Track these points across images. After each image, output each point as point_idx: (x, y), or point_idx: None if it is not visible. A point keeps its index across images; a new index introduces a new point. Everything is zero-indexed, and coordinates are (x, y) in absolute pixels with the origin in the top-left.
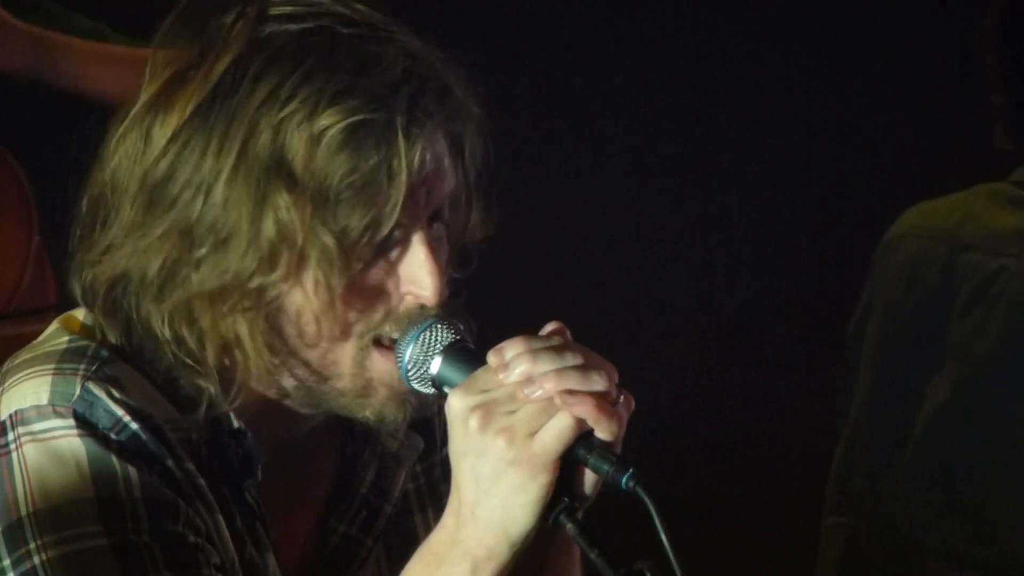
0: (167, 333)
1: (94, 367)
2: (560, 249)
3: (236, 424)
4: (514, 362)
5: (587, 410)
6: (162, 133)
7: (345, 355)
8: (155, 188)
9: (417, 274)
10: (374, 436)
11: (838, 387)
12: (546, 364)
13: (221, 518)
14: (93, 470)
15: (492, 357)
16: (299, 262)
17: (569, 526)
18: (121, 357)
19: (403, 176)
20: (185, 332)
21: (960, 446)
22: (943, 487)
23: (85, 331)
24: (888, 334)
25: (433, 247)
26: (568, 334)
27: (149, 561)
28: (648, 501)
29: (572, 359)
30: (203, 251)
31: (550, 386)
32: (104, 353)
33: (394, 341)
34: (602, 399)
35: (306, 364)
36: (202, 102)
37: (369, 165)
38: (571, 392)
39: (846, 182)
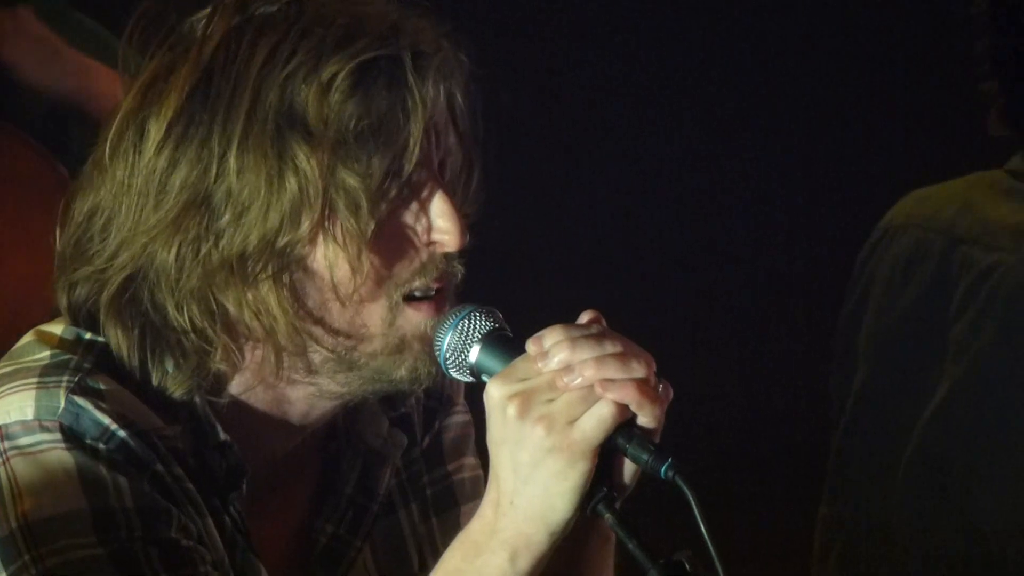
0: (185, 323)
1: (77, 379)
2: (577, 243)
3: (222, 436)
4: (553, 350)
5: (629, 395)
6: (159, 123)
7: (375, 314)
8: (161, 179)
9: (438, 221)
10: (357, 435)
11: (832, 374)
12: (585, 352)
13: (211, 521)
14: (84, 481)
15: (531, 345)
16: (325, 213)
17: (608, 516)
18: (103, 370)
19: (419, 112)
20: (205, 315)
21: (955, 446)
22: (938, 486)
23: (64, 345)
24: (885, 328)
25: (449, 193)
26: (604, 322)
27: (147, 566)
28: (688, 491)
29: (611, 347)
30: (224, 220)
31: (590, 373)
32: (86, 365)
33: (422, 295)
34: (643, 384)
35: (335, 330)
36: (197, 81)
37: (383, 105)
38: (611, 380)
39: (844, 174)
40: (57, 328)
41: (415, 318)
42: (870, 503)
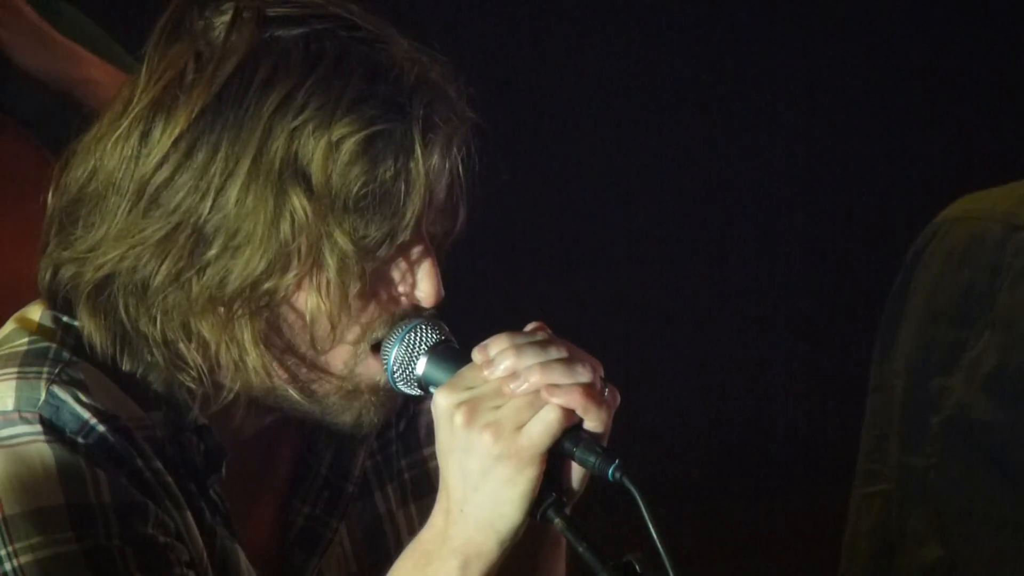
0: (157, 336)
1: (57, 370)
2: (556, 240)
3: (200, 420)
4: (499, 357)
5: (575, 399)
6: (164, 137)
7: (339, 359)
8: (156, 191)
9: (420, 280)
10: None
11: (873, 365)
12: (530, 358)
13: (189, 514)
14: (62, 475)
15: (477, 354)
16: (314, 265)
17: (557, 521)
18: (82, 356)
19: (422, 184)
20: (179, 335)
21: (1001, 412)
22: (981, 451)
23: (43, 331)
24: (935, 309)
25: (434, 255)
26: (548, 331)
27: (122, 565)
28: (635, 492)
29: (556, 352)
30: (211, 253)
31: (535, 379)
32: (65, 355)
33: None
34: (589, 389)
35: (299, 365)
36: (207, 106)
37: (387, 175)
38: (557, 385)
39: (843, 178)
40: (35, 313)
41: (373, 367)
42: (915, 476)
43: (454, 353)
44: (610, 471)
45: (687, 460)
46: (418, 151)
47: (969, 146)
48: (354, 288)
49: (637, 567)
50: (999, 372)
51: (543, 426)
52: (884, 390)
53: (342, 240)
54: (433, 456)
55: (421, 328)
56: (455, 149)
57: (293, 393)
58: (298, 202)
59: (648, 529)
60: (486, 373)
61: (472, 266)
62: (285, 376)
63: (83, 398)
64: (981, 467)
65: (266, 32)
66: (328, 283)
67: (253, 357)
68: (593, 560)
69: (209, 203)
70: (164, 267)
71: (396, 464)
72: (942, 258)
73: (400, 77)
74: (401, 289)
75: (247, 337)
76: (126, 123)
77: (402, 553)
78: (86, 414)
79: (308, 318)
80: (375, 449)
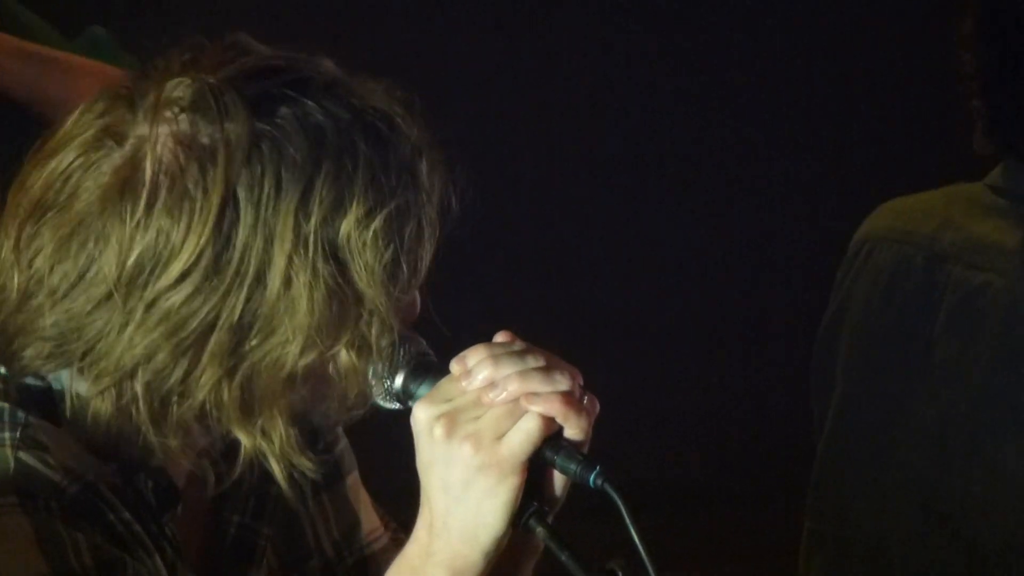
0: (174, 424)
1: (19, 434)
2: (549, 243)
3: (155, 462)
4: (477, 368)
5: (554, 407)
6: (184, 249)
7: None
8: (182, 304)
9: (410, 308)
10: None
11: (811, 389)
12: (508, 367)
13: (158, 558)
14: (43, 544)
15: (455, 365)
16: (352, 335)
17: (539, 530)
18: (37, 414)
19: (434, 237)
20: (199, 420)
21: (950, 470)
22: (933, 515)
23: None
24: (866, 346)
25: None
26: (520, 340)
27: None
28: (617, 498)
29: (534, 361)
30: (249, 345)
31: (514, 387)
32: (20, 415)
33: None
34: (568, 396)
35: (309, 415)
36: (223, 209)
37: (409, 240)
38: (536, 393)
39: (839, 179)
40: None
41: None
42: (856, 521)
43: (432, 366)
44: (591, 478)
45: (682, 464)
46: (430, 211)
47: (969, 146)
48: (387, 342)
49: (620, 574)
50: (941, 430)
51: (523, 435)
52: (825, 432)
53: (379, 309)
54: (334, 443)
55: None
56: (448, 194)
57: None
58: (335, 284)
59: (630, 535)
60: (464, 384)
61: (463, 272)
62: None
63: (50, 460)
64: (934, 533)
65: (257, 117)
66: (364, 344)
67: (291, 439)
68: (576, 568)
69: (243, 302)
70: (198, 372)
71: (331, 466)
72: (868, 283)
73: (398, 137)
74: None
75: (282, 424)
76: (127, 231)
77: (388, 571)
78: (56, 476)
79: (342, 381)
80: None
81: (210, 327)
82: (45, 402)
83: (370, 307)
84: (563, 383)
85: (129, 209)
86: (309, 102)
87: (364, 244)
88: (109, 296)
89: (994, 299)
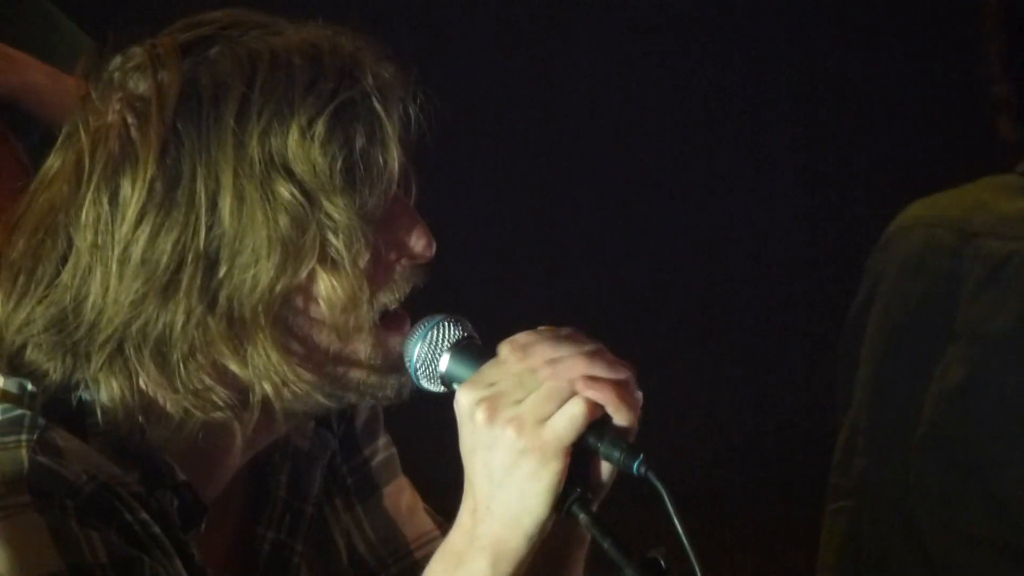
0: (183, 388)
1: (35, 436)
2: (564, 241)
3: (180, 477)
4: (534, 348)
5: (609, 396)
6: (136, 189)
7: (363, 340)
8: (148, 243)
9: (411, 236)
10: (284, 438)
11: (838, 379)
12: (568, 348)
13: (179, 562)
14: (57, 541)
15: (505, 347)
16: (321, 251)
17: (582, 516)
18: (56, 421)
19: (393, 140)
20: (208, 379)
21: (976, 425)
22: (957, 467)
23: (10, 398)
24: (894, 321)
25: (414, 209)
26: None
27: None
28: (660, 486)
29: (591, 345)
30: (221, 275)
31: (579, 367)
32: (40, 421)
33: (396, 310)
34: (625, 386)
35: (328, 362)
36: (166, 144)
37: (362, 141)
38: (596, 378)
39: (843, 175)
40: None
41: (393, 337)
42: (884, 491)
43: (477, 350)
44: (635, 466)
45: (690, 461)
46: (381, 111)
47: (970, 147)
48: (364, 259)
49: (662, 563)
50: (968, 386)
51: (567, 420)
52: (851, 406)
53: (341, 216)
54: (372, 455)
55: (444, 325)
56: (405, 98)
57: (323, 395)
58: (289, 195)
59: (673, 524)
60: (517, 361)
61: (475, 267)
62: (314, 379)
63: (64, 461)
64: (959, 485)
65: (189, 58)
66: (339, 263)
67: (285, 370)
68: (619, 556)
69: (204, 230)
70: (177, 312)
71: (340, 471)
72: (897, 267)
73: (335, 49)
74: (396, 251)
75: (274, 352)
76: (87, 193)
77: (433, 557)
78: (71, 476)
79: (326, 306)
80: (325, 471)
81: (180, 262)
82: (71, 416)
83: (331, 215)
84: (623, 372)
85: (84, 179)
86: (242, 37)
87: (312, 150)
88: (89, 268)
89: (1021, 265)
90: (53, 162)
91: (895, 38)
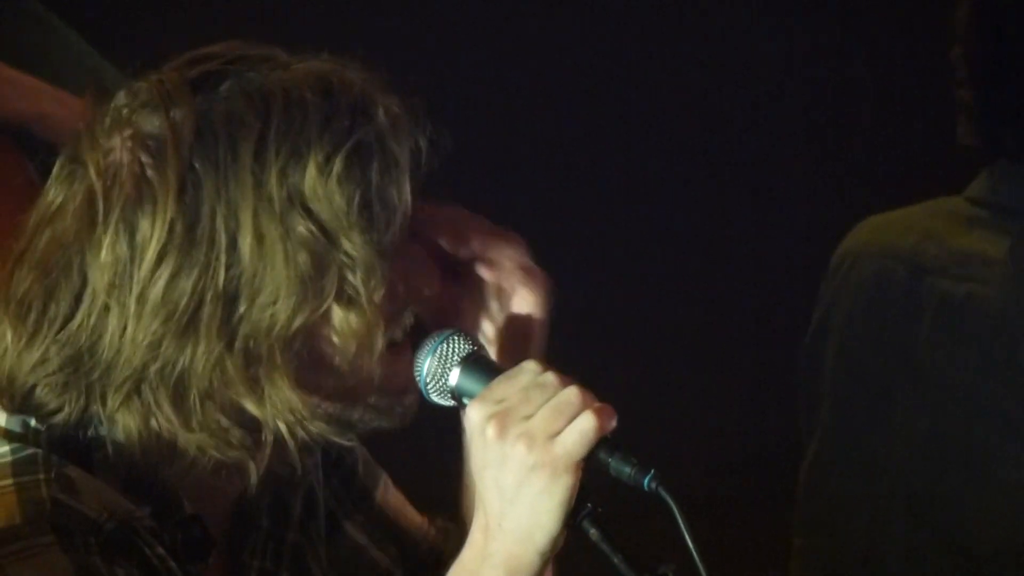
0: (199, 427)
1: (53, 475)
2: (566, 248)
3: (189, 510)
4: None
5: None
6: (155, 229)
7: (372, 370)
8: (167, 283)
9: (422, 270)
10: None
11: (799, 403)
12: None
13: None
14: None
15: (530, 363)
16: (339, 288)
17: (593, 532)
18: (67, 458)
19: (406, 176)
20: (224, 419)
21: (942, 477)
22: (925, 520)
23: (15, 437)
24: (850, 360)
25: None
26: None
27: None
28: (671, 501)
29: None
30: (239, 312)
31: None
32: (55, 458)
33: (400, 341)
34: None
35: (340, 397)
36: (184, 182)
37: (377, 178)
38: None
39: (850, 184)
40: None
41: (401, 364)
42: (847, 532)
43: (487, 364)
44: (646, 481)
45: (692, 472)
46: (394, 147)
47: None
48: (379, 294)
49: None
50: (933, 437)
51: (578, 435)
52: (814, 449)
53: (359, 253)
54: (354, 462)
55: (454, 339)
56: (416, 132)
57: (336, 428)
58: (308, 232)
59: (684, 539)
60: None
61: None
62: (327, 414)
63: (84, 499)
64: (927, 537)
65: (200, 94)
66: (355, 300)
67: (301, 409)
68: (628, 571)
69: (223, 269)
70: (197, 353)
71: (338, 494)
72: (850, 299)
73: (345, 84)
74: (408, 283)
75: (289, 391)
76: (104, 234)
77: (448, 574)
78: (92, 513)
79: (340, 342)
80: (321, 480)
81: (199, 302)
82: (78, 451)
83: (349, 253)
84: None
85: (99, 219)
86: (251, 72)
87: (329, 188)
88: (106, 307)
89: (978, 309)
90: (55, 196)
91: (901, 37)
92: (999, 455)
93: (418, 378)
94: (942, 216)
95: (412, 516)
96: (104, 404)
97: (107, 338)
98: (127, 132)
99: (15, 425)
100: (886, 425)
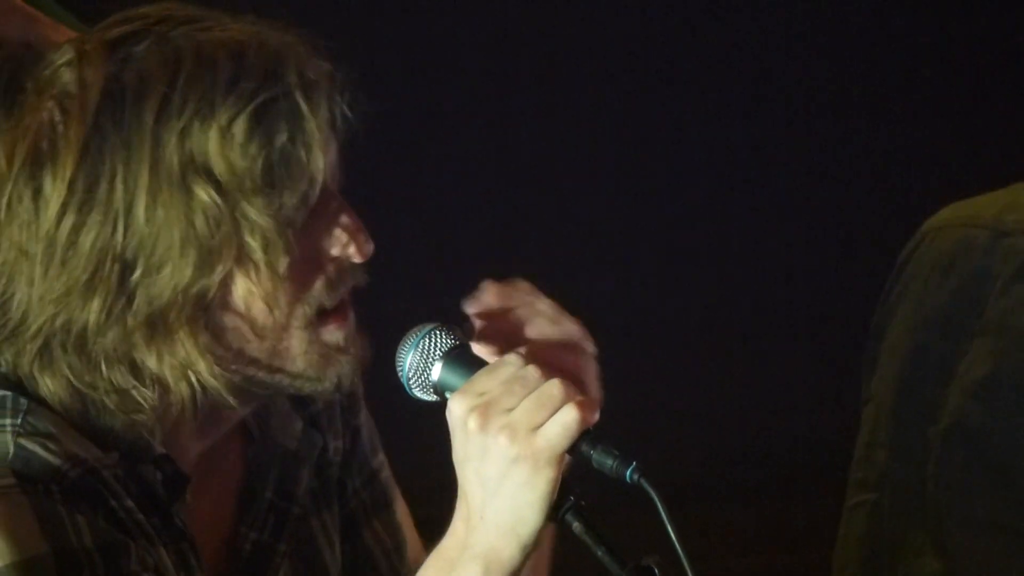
0: (106, 384)
1: (20, 420)
2: (562, 240)
3: (159, 450)
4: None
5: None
6: (57, 185)
7: (294, 338)
8: (68, 240)
9: (346, 238)
10: (272, 438)
11: (863, 377)
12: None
13: (163, 550)
14: (43, 524)
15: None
16: (239, 254)
17: (576, 524)
18: (37, 401)
19: (318, 141)
20: (127, 378)
21: (999, 419)
22: (978, 459)
23: None
24: (923, 316)
25: (349, 206)
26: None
27: None
28: (653, 494)
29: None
30: (136, 276)
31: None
32: (23, 402)
33: (330, 308)
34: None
35: (257, 360)
36: (88, 140)
37: (284, 141)
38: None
39: (843, 176)
40: None
41: (330, 333)
42: (906, 484)
43: (470, 358)
44: (628, 473)
45: (688, 461)
46: (305, 110)
47: (971, 149)
48: (283, 263)
49: (656, 570)
50: (993, 379)
51: (560, 427)
52: (874, 401)
53: (259, 218)
54: (380, 468)
55: (436, 333)
56: (334, 95)
57: (255, 390)
58: (206, 196)
59: (666, 531)
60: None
61: (464, 273)
62: (240, 379)
63: (51, 446)
64: (980, 476)
65: (117, 54)
66: (256, 266)
67: (204, 368)
68: (612, 564)
69: (121, 229)
70: (95, 308)
71: (331, 489)
72: (929, 266)
73: (262, 47)
74: (328, 250)
75: (193, 352)
76: (10, 189)
77: (425, 562)
78: (57, 460)
79: (244, 308)
80: (312, 473)
81: (99, 261)
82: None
83: (250, 217)
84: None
85: (9, 174)
86: (171, 32)
87: (231, 151)
88: (15, 264)
89: None
90: None
91: (904, 36)
92: None
93: (400, 373)
94: None
95: (413, 534)
96: (24, 360)
97: (17, 296)
98: (46, 91)
99: None
100: (949, 375)
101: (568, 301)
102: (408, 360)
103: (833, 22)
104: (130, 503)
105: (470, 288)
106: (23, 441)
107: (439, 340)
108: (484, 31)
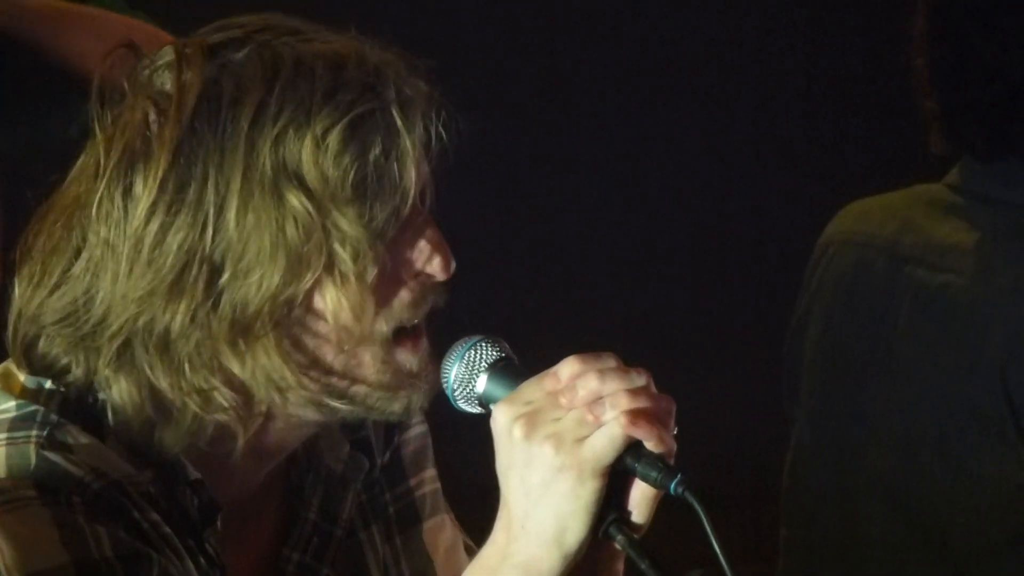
0: (187, 386)
1: (45, 432)
2: (564, 247)
3: (193, 475)
4: (581, 382)
5: (652, 433)
6: (148, 184)
7: (369, 354)
8: (155, 240)
9: (430, 253)
10: (318, 460)
11: (783, 394)
12: (615, 384)
13: (190, 563)
14: (63, 534)
15: (548, 380)
16: (328, 262)
17: (620, 538)
18: (69, 420)
19: (411, 156)
20: (210, 379)
21: (917, 472)
22: (903, 518)
23: (28, 394)
24: (830, 350)
25: (435, 224)
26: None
27: None
28: (698, 506)
29: (639, 380)
30: (224, 279)
31: (623, 405)
32: (53, 418)
33: (413, 327)
34: (664, 426)
35: (331, 372)
36: (182, 141)
37: (378, 155)
38: (638, 413)
39: (847, 181)
40: (19, 373)
41: (404, 354)
42: (826, 525)
43: (515, 370)
44: (672, 485)
45: (688, 462)
46: (401, 125)
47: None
48: (371, 274)
49: None
50: (908, 434)
51: (607, 439)
52: (793, 433)
53: (350, 228)
54: (418, 486)
55: (481, 346)
56: (430, 115)
57: (332, 402)
58: (298, 203)
59: (711, 545)
60: (565, 400)
61: (465, 274)
62: (316, 388)
63: (74, 459)
64: (905, 535)
65: (216, 59)
66: (345, 276)
67: (287, 376)
68: None
69: (210, 232)
70: (180, 310)
71: (382, 500)
72: (831, 288)
73: (362, 61)
74: (412, 268)
75: (276, 358)
76: (102, 187)
77: (465, 571)
78: (79, 472)
79: (331, 318)
80: (359, 490)
81: (186, 263)
82: (91, 415)
83: (340, 225)
84: (668, 407)
85: (101, 172)
86: (272, 41)
87: (325, 160)
88: (100, 261)
89: (953, 299)
90: (87, 157)
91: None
92: (973, 449)
93: (445, 385)
94: (921, 204)
95: (456, 565)
96: (99, 360)
97: (101, 293)
98: (143, 92)
99: (31, 384)
100: (863, 417)
101: (568, 305)
102: (453, 372)
103: (833, 22)
104: (155, 516)
105: (459, 296)
106: (46, 453)
107: (484, 352)
108: (483, 31)
